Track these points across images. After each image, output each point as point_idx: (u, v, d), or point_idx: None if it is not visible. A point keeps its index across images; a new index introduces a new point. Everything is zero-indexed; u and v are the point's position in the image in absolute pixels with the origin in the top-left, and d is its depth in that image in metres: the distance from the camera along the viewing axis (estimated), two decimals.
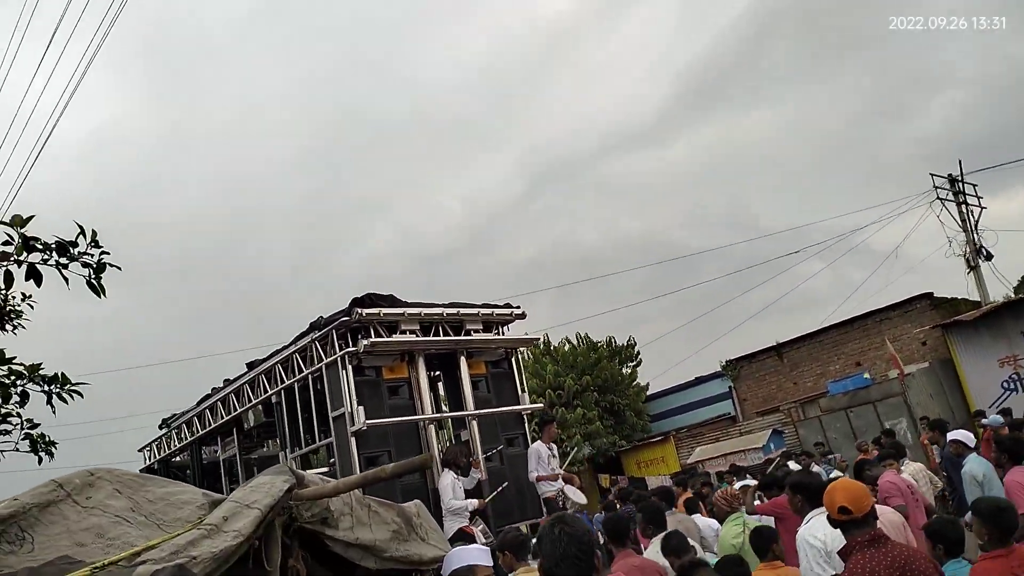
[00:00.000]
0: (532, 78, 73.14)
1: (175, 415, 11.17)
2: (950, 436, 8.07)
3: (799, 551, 4.22)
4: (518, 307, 9.47)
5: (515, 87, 73.14)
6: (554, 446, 8.93)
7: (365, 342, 7.94)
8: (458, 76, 71.54)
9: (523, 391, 9.40)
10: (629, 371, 24.45)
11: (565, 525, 2.36)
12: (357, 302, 8.19)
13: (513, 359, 9.45)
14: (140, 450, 11.86)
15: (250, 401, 9.51)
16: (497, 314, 9.25)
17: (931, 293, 21.26)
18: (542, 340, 23.99)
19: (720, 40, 63.99)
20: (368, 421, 7.80)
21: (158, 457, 11.34)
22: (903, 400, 19.20)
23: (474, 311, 9.06)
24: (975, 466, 6.99)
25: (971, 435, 8.01)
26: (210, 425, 10.30)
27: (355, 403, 7.87)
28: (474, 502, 7.78)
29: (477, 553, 3.47)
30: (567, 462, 10.58)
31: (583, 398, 22.36)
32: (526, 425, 9.34)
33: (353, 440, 7.83)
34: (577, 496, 8.14)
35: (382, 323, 8.31)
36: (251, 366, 9.64)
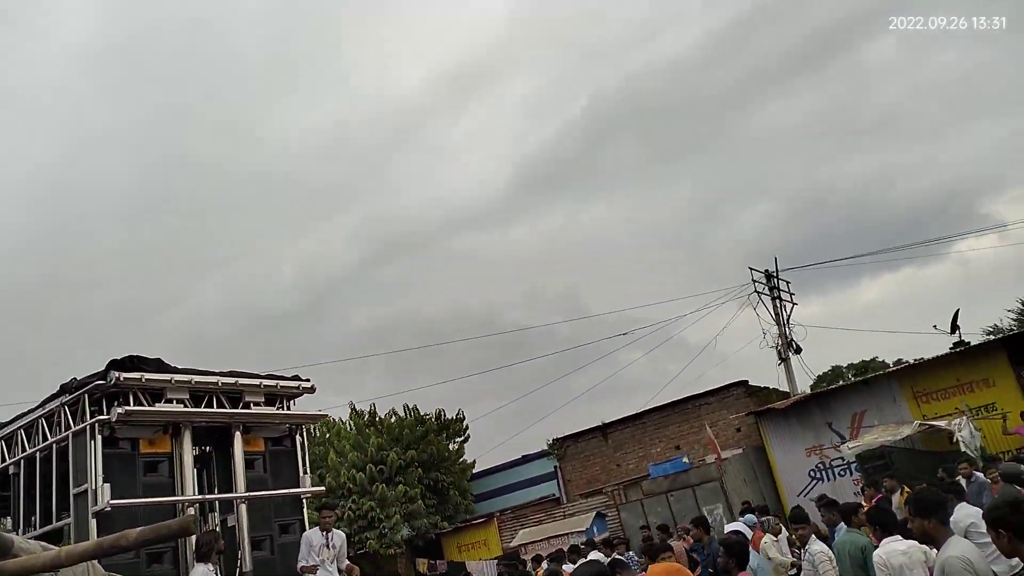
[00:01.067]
0: (380, 151, 74.18)
1: None
2: (728, 528, 8.59)
3: None
4: (307, 380, 9.02)
5: (362, 158, 73.77)
6: (336, 534, 8.32)
7: (120, 410, 7.26)
8: (305, 141, 71.12)
9: (305, 472, 8.88)
10: (456, 447, 24.07)
11: None
12: (115, 364, 7.51)
13: (298, 436, 8.93)
14: None
15: None
16: (282, 387, 8.76)
17: (746, 381, 22.50)
18: (368, 410, 23.29)
19: (563, 133, 68.16)
20: (113, 501, 7.05)
21: None
22: (720, 486, 19.96)
23: (255, 382, 8.54)
24: (752, 558, 7.76)
25: (748, 529, 8.49)
26: None
27: (100, 479, 7.11)
28: None
29: None
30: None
31: (406, 474, 21.68)
32: (304, 510, 8.75)
33: (94, 522, 7.04)
34: None
35: (145, 389, 7.65)
36: None
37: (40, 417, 7.88)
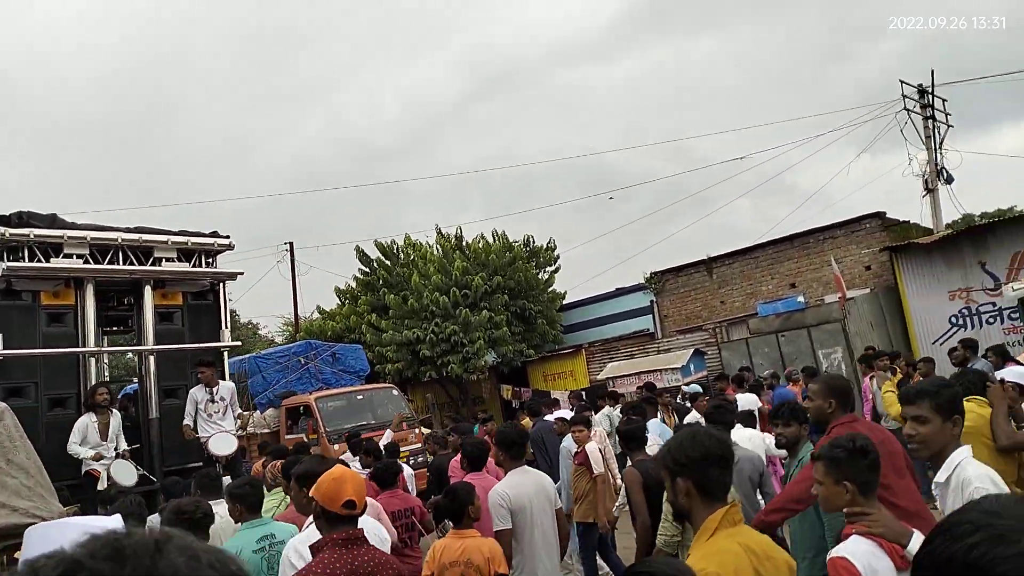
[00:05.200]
0: None
1: None
2: None
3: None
4: (226, 237, 9.24)
5: None
6: (224, 385, 8.90)
7: (3, 265, 7.85)
8: None
9: (226, 327, 9.33)
10: (546, 276, 24.10)
11: None
12: (3, 221, 8.03)
13: (220, 292, 9.33)
14: None
15: None
16: (194, 243, 9.04)
17: (883, 213, 20.35)
18: (454, 233, 23.68)
19: None
20: (4, 350, 7.80)
21: None
22: (841, 327, 18.78)
23: (164, 239, 8.86)
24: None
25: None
26: None
27: None
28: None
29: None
30: None
31: (492, 300, 22.13)
32: (226, 362, 9.30)
33: None
34: (219, 448, 8.14)
35: (41, 245, 8.17)
36: None
37: None
